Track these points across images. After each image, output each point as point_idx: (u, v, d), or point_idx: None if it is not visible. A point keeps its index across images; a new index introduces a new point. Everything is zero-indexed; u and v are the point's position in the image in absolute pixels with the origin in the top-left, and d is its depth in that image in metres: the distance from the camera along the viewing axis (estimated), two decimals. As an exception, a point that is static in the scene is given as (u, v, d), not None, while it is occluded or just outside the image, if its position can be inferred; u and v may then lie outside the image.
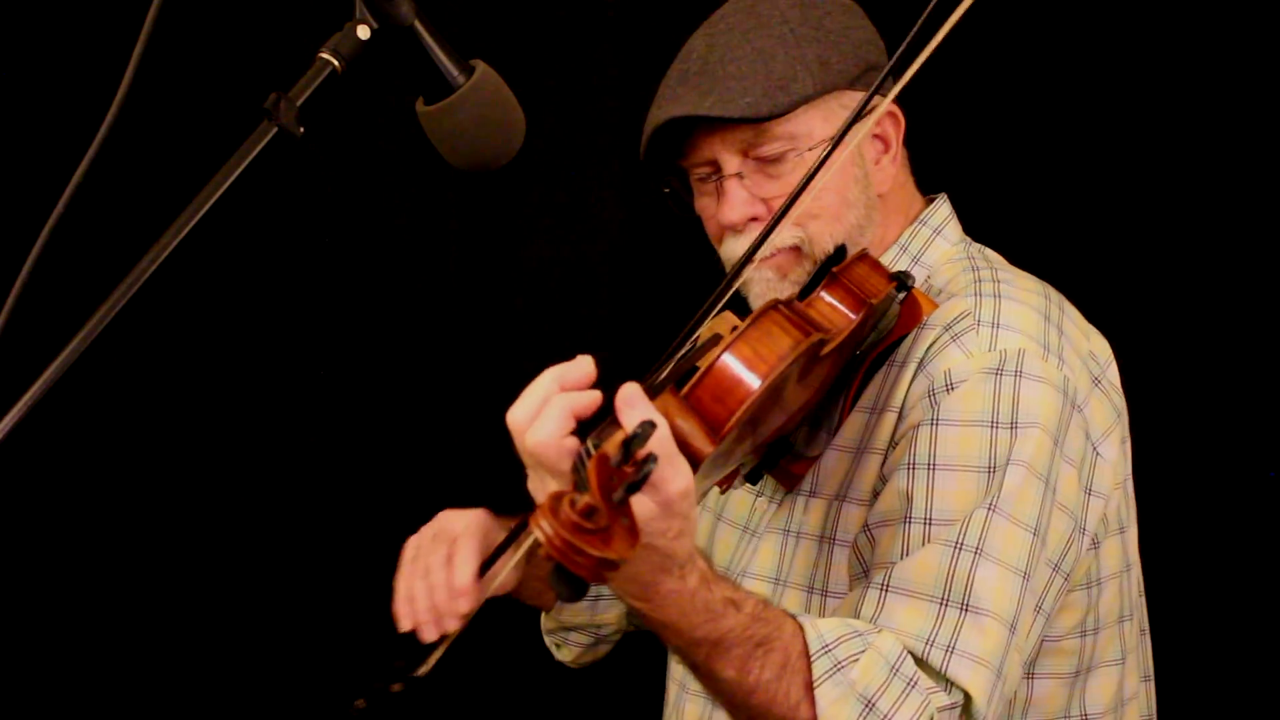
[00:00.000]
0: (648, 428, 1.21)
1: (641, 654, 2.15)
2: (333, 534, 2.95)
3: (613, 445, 1.22)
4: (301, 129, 1.27)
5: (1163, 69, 2.59)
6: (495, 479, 2.91)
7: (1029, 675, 1.66)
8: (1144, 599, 1.78)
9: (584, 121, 2.91)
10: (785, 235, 1.67)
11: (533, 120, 1.44)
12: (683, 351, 1.49)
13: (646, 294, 2.91)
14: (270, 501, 2.97)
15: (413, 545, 1.65)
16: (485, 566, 1.60)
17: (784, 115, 1.66)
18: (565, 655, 2.04)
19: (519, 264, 2.96)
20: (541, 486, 1.34)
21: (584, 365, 1.34)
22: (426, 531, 1.67)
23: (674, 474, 1.28)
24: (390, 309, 2.98)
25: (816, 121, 1.69)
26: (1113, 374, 1.73)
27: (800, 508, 1.71)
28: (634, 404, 1.27)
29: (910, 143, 1.82)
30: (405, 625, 1.58)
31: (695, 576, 1.39)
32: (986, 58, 2.54)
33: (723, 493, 1.82)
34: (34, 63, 2.84)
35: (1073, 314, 1.74)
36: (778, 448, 1.67)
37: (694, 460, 1.35)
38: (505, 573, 1.59)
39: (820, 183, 1.58)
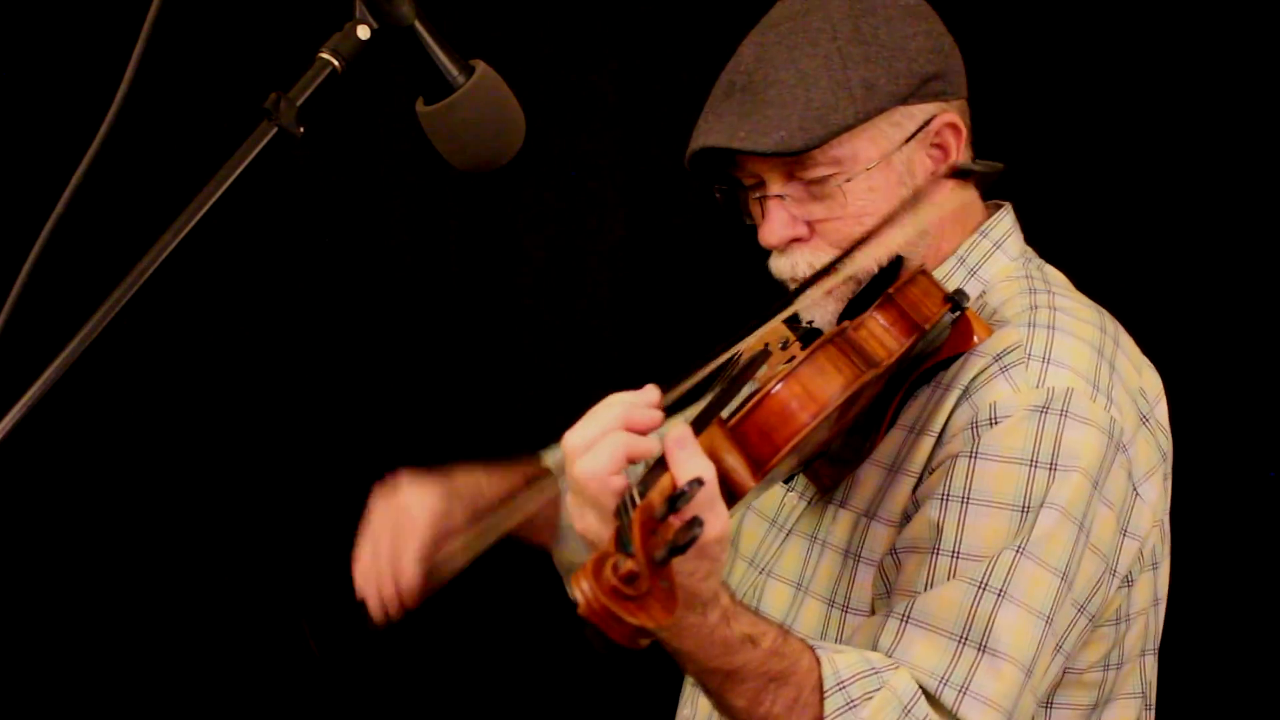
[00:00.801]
0: (694, 486, 1.20)
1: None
2: (333, 534, 2.94)
3: (659, 495, 1.21)
4: (301, 129, 1.27)
5: (1172, 73, 2.59)
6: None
7: (1048, 704, 1.64)
8: (1160, 631, 1.76)
9: (584, 122, 2.91)
10: (827, 258, 1.64)
11: (533, 120, 1.44)
12: (725, 359, 1.49)
13: (647, 294, 2.91)
14: (270, 501, 2.97)
15: (376, 512, 1.74)
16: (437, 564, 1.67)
17: (819, 147, 1.61)
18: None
19: (519, 264, 2.96)
20: (578, 516, 1.34)
21: (651, 401, 1.34)
22: (380, 508, 1.75)
23: (713, 520, 1.27)
24: (390, 309, 2.98)
25: (862, 144, 1.64)
26: (1161, 411, 1.70)
27: (830, 517, 1.69)
28: (684, 446, 1.27)
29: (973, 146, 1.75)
30: (364, 595, 1.70)
31: (717, 613, 1.38)
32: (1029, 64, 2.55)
33: None
34: (34, 63, 2.84)
35: (1127, 347, 1.69)
36: (815, 453, 1.65)
37: (735, 495, 1.35)
38: (456, 561, 1.65)
39: (865, 208, 1.58)
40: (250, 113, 1.28)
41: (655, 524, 1.18)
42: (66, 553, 2.93)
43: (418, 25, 1.36)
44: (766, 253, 1.71)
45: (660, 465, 1.28)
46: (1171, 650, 1.93)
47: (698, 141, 1.67)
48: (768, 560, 1.76)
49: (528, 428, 2.83)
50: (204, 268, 2.75)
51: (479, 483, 1.79)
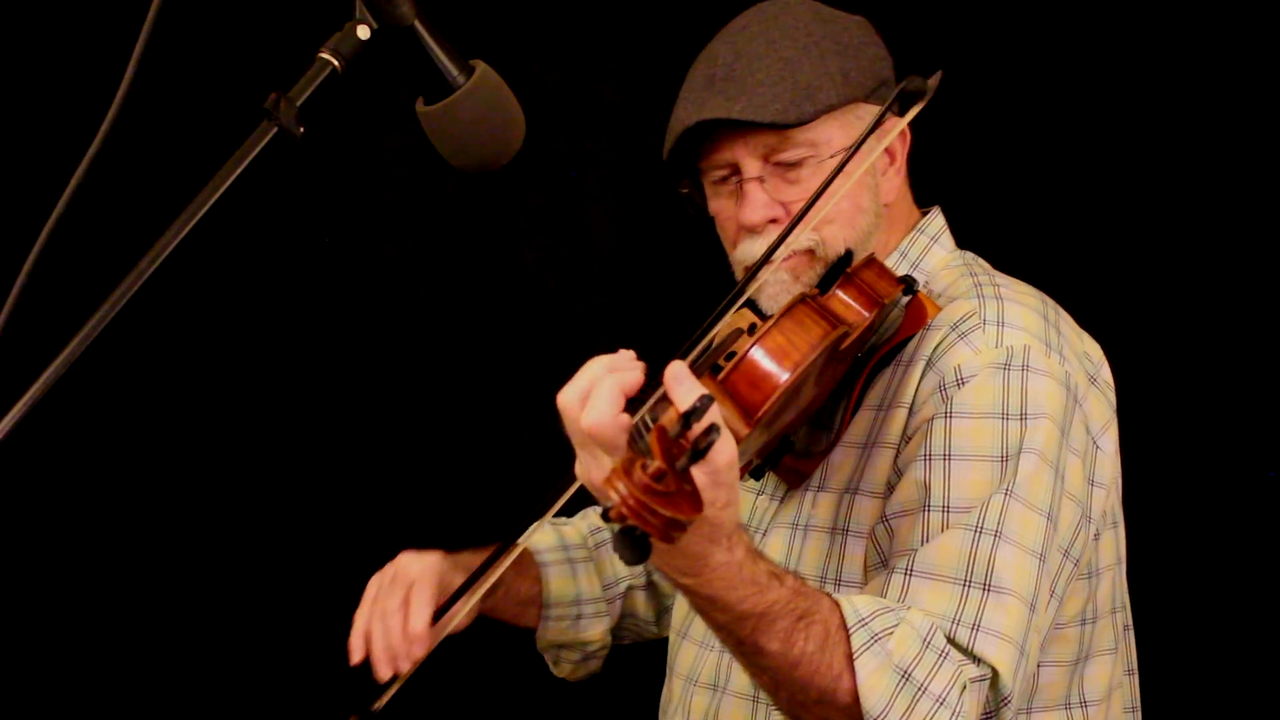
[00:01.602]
0: (706, 401, 1.25)
1: (637, 655, 2.16)
2: (331, 534, 2.95)
3: (669, 419, 1.27)
4: (301, 129, 1.27)
5: (1145, 72, 2.60)
6: (493, 477, 2.93)
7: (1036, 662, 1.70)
8: (1127, 596, 1.84)
9: (584, 122, 2.91)
10: (802, 239, 1.75)
11: (532, 120, 1.44)
12: (702, 346, 1.55)
13: (647, 294, 2.92)
14: (269, 501, 2.97)
15: (374, 584, 1.78)
16: (441, 612, 1.72)
17: (809, 123, 1.74)
18: (562, 670, 2.11)
19: (519, 264, 2.96)
20: (594, 465, 1.38)
21: (627, 354, 1.40)
22: (387, 572, 1.79)
23: (722, 445, 1.31)
24: (390, 308, 2.98)
25: (835, 130, 1.77)
26: (1106, 374, 1.80)
27: (809, 502, 1.77)
28: (683, 380, 1.33)
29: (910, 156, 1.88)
30: (356, 658, 1.73)
31: (742, 549, 1.43)
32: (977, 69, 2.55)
33: None
34: (33, 62, 2.85)
35: (1066, 317, 1.81)
36: (780, 446, 1.73)
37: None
38: (459, 619, 1.72)
39: (839, 191, 1.68)
40: (250, 113, 1.28)
41: (671, 442, 1.23)
42: (62, 552, 2.93)
43: (418, 25, 1.37)
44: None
45: (662, 400, 1.34)
46: (1164, 647, 1.94)
47: (687, 119, 1.77)
48: None
49: (526, 427, 2.85)
50: (204, 267, 2.75)
51: (471, 557, 1.84)
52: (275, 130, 1.26)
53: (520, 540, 1.68)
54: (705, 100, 1.76)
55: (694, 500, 1.23)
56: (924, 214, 1.90)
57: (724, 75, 1.75)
